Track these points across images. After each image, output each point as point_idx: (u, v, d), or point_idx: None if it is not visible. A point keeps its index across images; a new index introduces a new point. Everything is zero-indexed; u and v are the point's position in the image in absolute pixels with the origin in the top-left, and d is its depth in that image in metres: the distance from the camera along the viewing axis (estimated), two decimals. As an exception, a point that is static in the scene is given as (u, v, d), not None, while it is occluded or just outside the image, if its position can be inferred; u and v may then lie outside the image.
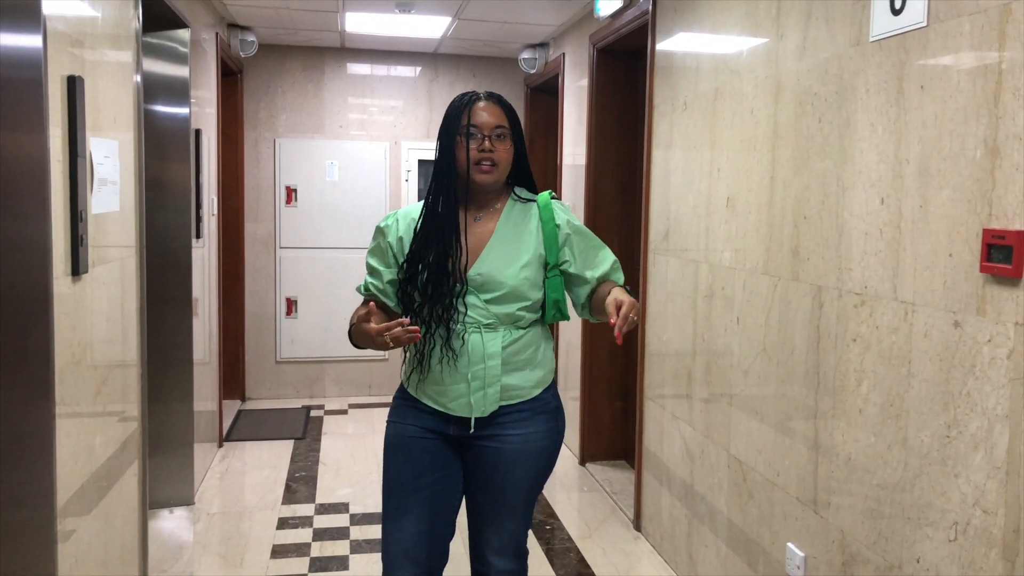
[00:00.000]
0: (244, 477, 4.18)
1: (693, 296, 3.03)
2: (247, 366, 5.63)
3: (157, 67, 3.56)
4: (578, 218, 2.15)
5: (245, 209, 5.52)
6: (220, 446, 4.62)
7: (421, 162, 5.83)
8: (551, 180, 5.42)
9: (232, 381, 5.51)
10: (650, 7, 3.37)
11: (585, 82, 4.37)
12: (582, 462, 4.46)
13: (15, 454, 1.87)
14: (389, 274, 2.05)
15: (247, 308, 5.58)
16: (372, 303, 1.90)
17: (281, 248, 5.63)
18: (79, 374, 2.13)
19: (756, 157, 2.56)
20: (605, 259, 2.10)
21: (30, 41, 1.81)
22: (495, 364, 1.96)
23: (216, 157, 4.48)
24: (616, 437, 4.48)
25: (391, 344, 1.79)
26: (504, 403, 1.99)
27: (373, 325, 1.82)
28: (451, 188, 1.97)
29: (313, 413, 5.36)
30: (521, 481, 2.06)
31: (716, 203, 2.83)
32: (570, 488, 4.11)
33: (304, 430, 4.96)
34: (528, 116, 5.81)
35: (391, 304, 2.06)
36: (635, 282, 4.04)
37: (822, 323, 2.20)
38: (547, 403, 2.05)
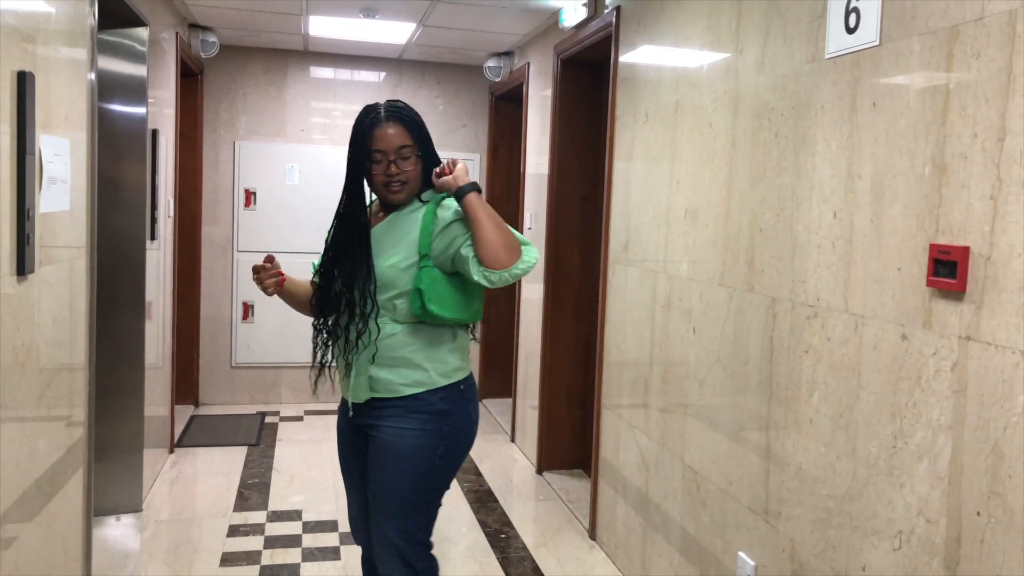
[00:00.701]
0: (195, 484, 4.11)
1: (651, 306, 3.05)
2: (201, 371, 5.54)
3: (113, 65, 3.50)
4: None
5: (203, 212, 5.44)
6: (171, 452, 4.53)
7: (383, 168, 5.79)
8: (514, 189, 5.44)
9: (185, 386, 5.41)
10: (614, 19, 3.40)
11: (549, 92, 4.39)
12: (539, 471, 4.46)
13: (-48, 458, 1.81)
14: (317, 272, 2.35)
15: (203, 312, 5.50)
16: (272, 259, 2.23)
17: (239, 251, 5.56)
18: (23, 376, 2.07)
19: (714, 170, 2.59)
20: (463, 245, 2.09)
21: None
22: (366, 354, 2.11)
23: (173, 158, 4.41)
24: (574, 446, 4.49)
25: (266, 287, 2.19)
26: (375, 395, 2.13)
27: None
28: (361, 198, 2.15)
29: (268, 419, 5.29)
30: (392, 477, 2.12)
31: (675, 214, 2.86)
32: (526, 497, 4.10)
33: (258, 436, 4.89)
34: (492, 124, 5.81)
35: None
36: (595, 292, 4.07)
37: (776, 334, 2.23)
38: (428, 404, 2.12)
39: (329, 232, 2.23)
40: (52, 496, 2.39)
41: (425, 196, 2.19)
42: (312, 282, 2.30)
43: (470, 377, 2.25)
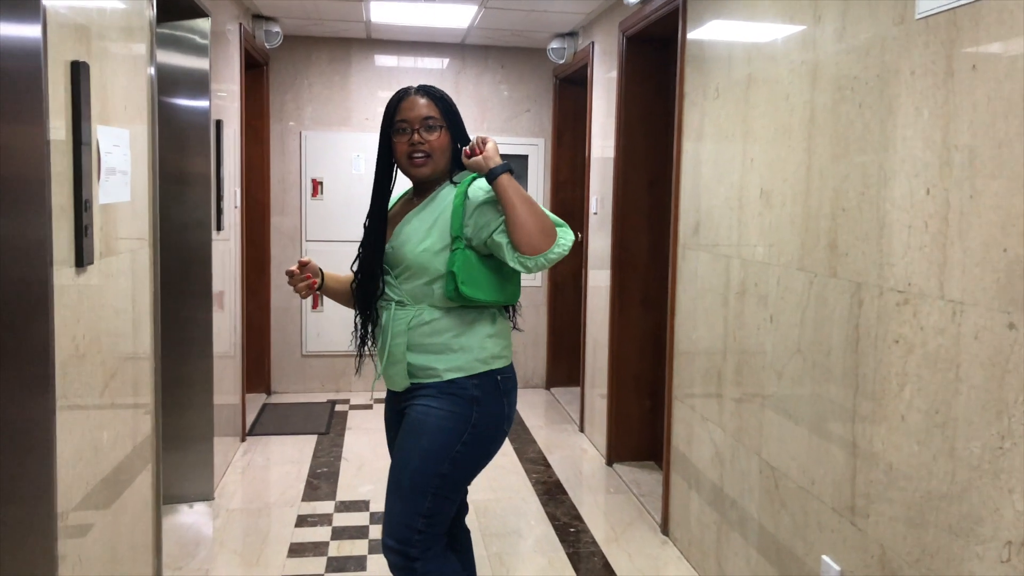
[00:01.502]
0: (265, 472, 4.14)
1: (724, 293, 2.90)
2: (272, 360, 5.60)
3: (176, 58, 3.51)
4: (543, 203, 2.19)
5: (271, 202, 5.48)
6: (243, 440, 4.58)
7: (448, 155, 5.73)
8: (580, 173, 5.30)
9: (257, 375, 5.48)
10: (681, -9, 3.24)
11: (614, 72, 4.24)
12: (609, 462, 4.35)
13: (14, 448, 1.81)
14: None
15: (273, 302, 5.55)
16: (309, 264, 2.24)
17: (307, 241, 5.59)
18: (83, 367, 2.07)
19: (791, 146, 2.42)
20: (497, 219, 2.01)
21: (29, 30, 1.75)
22: (400, 343, 2.08)
23: (239, 149, 4.43)
24: (644, 437, 4.36)
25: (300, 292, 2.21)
26: (415, 381, 2.10)
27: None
28: (387, 180, 2.18)
29: (338, 408, 5.31)
30: (406, 451, 2.08)
31: (749, 195, 2.70)
32: (596, 490, 3.99)
33: (328, 425, 4.91)
34: (557, 108, 5.69)
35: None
36: (664, 278, 3.92)
37: (861, 322, 2.07)
38: (463, 388, 2.06)
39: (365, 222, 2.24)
40: (120, 485, 2.40)
41: (457, 178, 2.14)
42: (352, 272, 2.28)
43: (510, 369, 2.17)
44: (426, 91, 2.12)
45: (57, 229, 1.87)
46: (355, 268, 2.20)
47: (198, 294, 3.67)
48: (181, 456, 3.65)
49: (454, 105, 2.15)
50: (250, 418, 4.96)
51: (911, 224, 1.87)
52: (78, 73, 1.97)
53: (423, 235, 2.07)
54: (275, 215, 5.53)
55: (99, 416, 2.21)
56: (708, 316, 3.04)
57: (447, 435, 2.05)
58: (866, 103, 2.05)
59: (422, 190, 2.17)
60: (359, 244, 2.20)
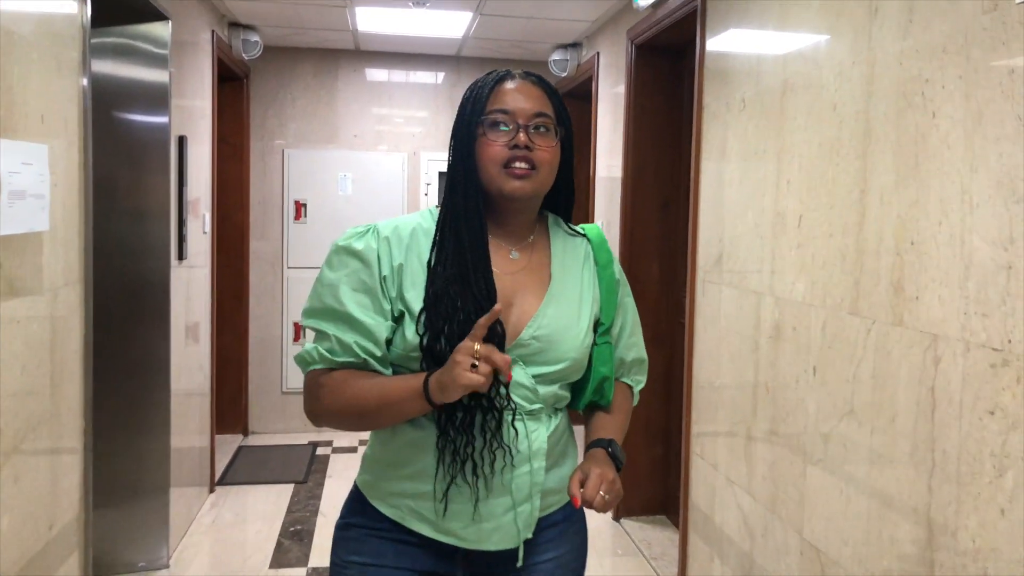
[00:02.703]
0: (234, 531, 3.70)
1: (754, 335, 2.48)
2: (251, 397, 5.18)
3: (129, 69, 3.11)
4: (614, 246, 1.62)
5: (250, 225, 5.09)
6: (212, 491, 4.15)
7: (442, 174, 5.35)
8: (582, 194, 4.90)
9: (233, 414, 5.06)
10: (700, -10, 2.85)
11: (622, 85, 3.85)
12: (616, 517, 3.91)
13: None
14: (387, 330, 1.35)
15: (251, 333, 5.13)
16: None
17: (289, 268, 5.18)
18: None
19: (840, 165, 2.01)
20: (637, 344, 1.56)
21: None
22: (540, 466, 1.36)
23: (211, 169, 4.04)
24: (656, 488, 3.92)
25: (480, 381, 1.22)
26: (540, 515, 1.40)
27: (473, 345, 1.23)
28: (476, 203, 1.35)
29: (320, 451, 4.88)
30: None
31: (785, 222, 2.29)
32: (602, 551, 3.55)
33: (307, 472, 4.48)
34: (559, 124, 5.30)
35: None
36: (678, 313, 3.50)
37: (939, 385, 1.65)
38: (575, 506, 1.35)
39: (431, 273, 1.36)
40: (39, 561, 1.98)
41: (554, 221, 1.51)
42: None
43: None
44: (537, 79, 1.41)
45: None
46: (440, 351, 1.31)
47: (154, 327, 3.25)
48: (131, 513, 3.22)
49: (566, 107, 1.46)
50: (223, 463, 4.54)
51: (1011, 264, 1.46)
52: (-43, 74, 1.57)
53: (575, 314, 1.41)
54: (255, 239, 5.13)
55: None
56: (734, 361, 2.62)
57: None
58: (943, 112, 1.64)
59: (505, 229, 1.42)
60: (431, 318, 1.31)
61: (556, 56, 4.78)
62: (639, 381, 1.56)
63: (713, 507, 2.78)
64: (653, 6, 3.35)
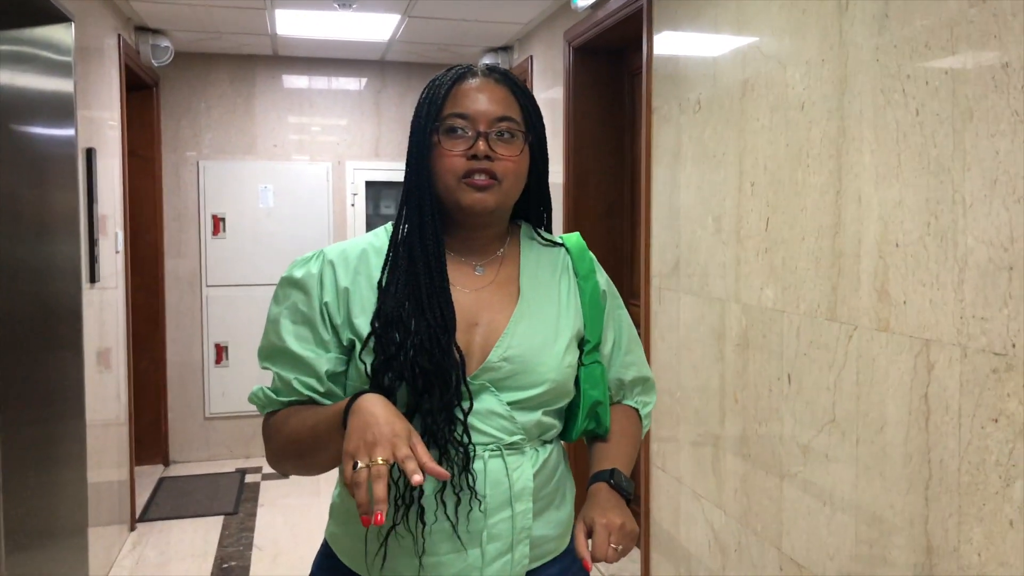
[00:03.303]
0: (160, 571, 3.41)
1: (718, 344, 2.40)
2: (170, 424, 4.84)
3: (28, 79, 2.81)
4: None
5: (165, 243, 4.77)
6: (132, 528, 3.84)
7: (369, 184, 5.15)
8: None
9: (152, 443, 4.72)
10: (645, -11, 2.77)
11: (559, 88, 3.75)
12: (568, 532, 3.79)
13: None
14: (329, 362, 1.21)
15: (169, 357, 4.80)
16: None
17: (208, 287, 4.88)
18: None
19: (811, 166, 1.95)
20: (636, 361, 1.40)
21: None
22: (525, 508, 1.20)
23: (122, 183, 3.74)
24: (607, 500, 3.82)
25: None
26: (531, 567, 1.23)
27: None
28: (431, 218, 1.21)
29: (249, 478, 4.60)
30: None
31: (749, 227, 2.22)
32: (558, 570, 3.43)
33: (237, 502, 4.20)
34: (489, 130, 5.17)
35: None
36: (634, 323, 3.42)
37: (933, 392, 1.59)
38: (574, 552, 1.21)
39: (381, 295, 1.21)
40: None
41: (529, 228, 1.36)
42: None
43: None
44: (501, 75, 1.25)
45: None
46: (389, 383, 1.15)
47: (65, 354, 2.96)
48: (46, 557, 2.91)
49: (539, 108, 1.30)
50: (143, 498, 4.21)
51: (1012, 265, 1.40)
52: None
53: (552, 331, 1.25)
54: (170, 258, 4.81)
55: None
56: (696, 370, 2.54)
57: None
58: (929, 106, 1.58)
59: (469, 243, 1.28)
60: (381, 344, 1.16)
61: (486, 60, 4.65)
62: (646, 403, 1.41)
63: (678, 522, 2.69)
64: (593, 7, 3.26)
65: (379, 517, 0.96)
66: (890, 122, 1.69)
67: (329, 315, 1.20)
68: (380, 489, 0.97)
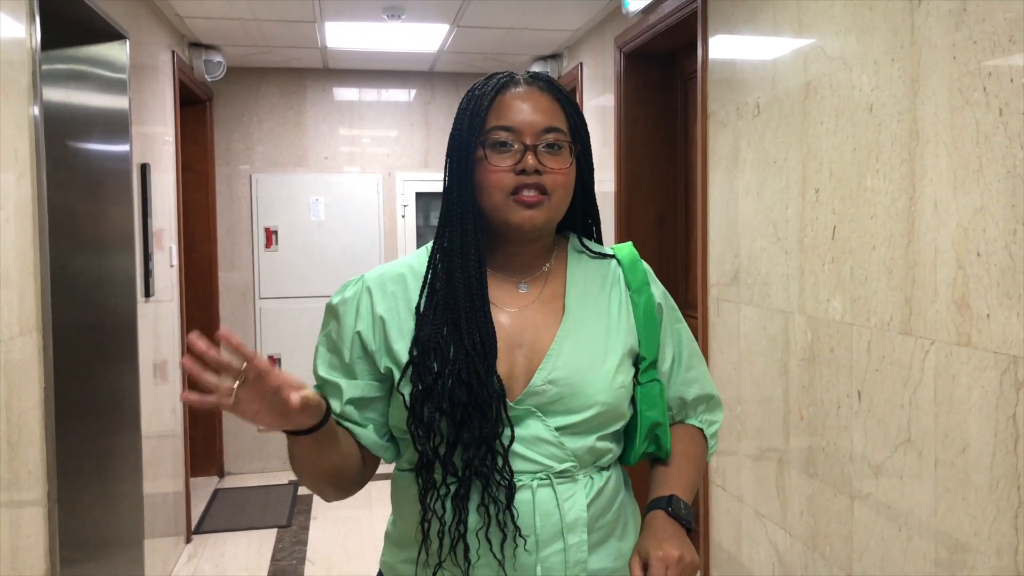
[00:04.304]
0: (214, 585, 3.43)
1: (782, 358, 2.30)
2: (225, 436, 4.89)
3: (85, 96, 2.85)
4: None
5: (218, 256, 4.82)
6: (188, 541, 3.86)
7: (419, 195, 5.14)
8: (568, 210, 4.73)
9: (207, 455, 4.77)
10: (699, -9, 2.69)
11: (610, 95, 3.68)
12: (624, 549, 3.70)
13: None
14: (353, 389, 1.18)
15: (223, 369, 4.84)
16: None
17: (261, 299, 4.92)
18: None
19: (881, 171, 1.85)
20: (700, 378, 1.32)
21: None
22: (580, 540, 1.14)
23: (176, 198, 3.79)
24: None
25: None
26: None
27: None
28: (473, 236, 1.15)
29: (301, 490, 4.60)
30: None
31: (815, 235, 2.12)
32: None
33: (290, 515, 4.20)
34: (538, 139, 5.12)
35: (368, 441, 1.19)
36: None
37: (1022, 413, 1.48)
38: None
39: (419, 320, 1.16)
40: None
41: (578, 240, 1.30)
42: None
43: None
44: (546, 83, 1.19)
45: None
46: (428, 415, 1.11)
47: (120, 366, 2.99)
48: (103, 569, 2.93)
49: (584, 118, 1.25)
50: (198, 510, 4.24)
51: (1112, 276, 1.29)
52: None
53: (601, 350, 1.19)
54: (223, 271, 4.86)
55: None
56: (759, 386, 2.44)
57: None
58: (1012, 107, 1.48)
59: (515, 260, 1.22)
60: (418, 374, 1.12)
61: (535, 68, 4.60)
62: (711, 422, 1.32)
63: (740, 543, 2.59)
64: (644, 11, 3.18)
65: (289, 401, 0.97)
66: (969, 123, 1.58)
67: (363, 343, 1.18)
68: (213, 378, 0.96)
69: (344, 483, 1.19)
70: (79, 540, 2.82)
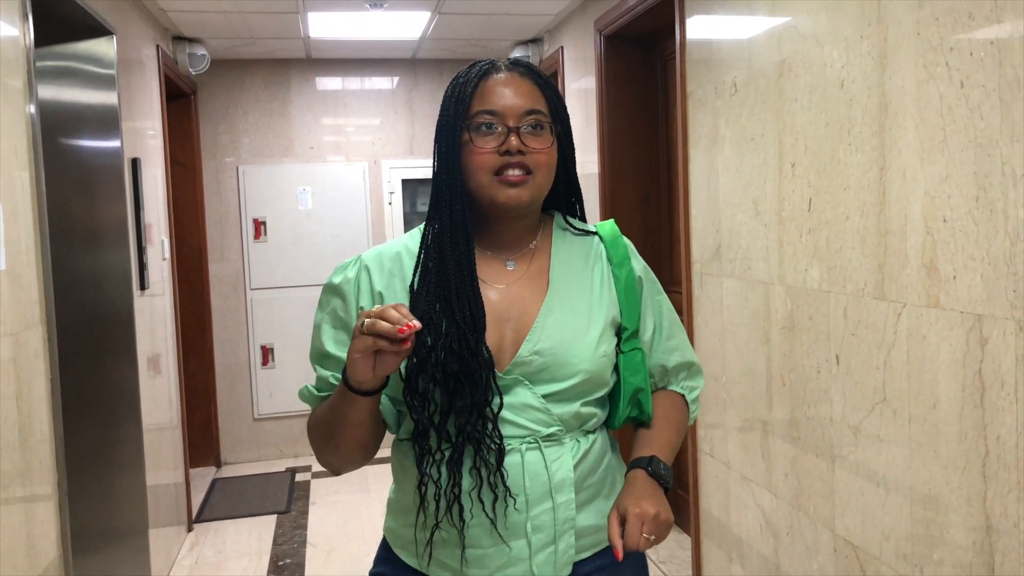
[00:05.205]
0: (218, 570, 3.50)
1: (764, 327, 2.39)
2: (221, 426, 4.95)
3: (75, 93, 2.89)
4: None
5: (208, 248, 4.86)
6: (190, 529, 3.93)
7: (405, 182, 5.20)
8: (553, 193, 4.79)
9: (205, 445, 4.83)
10: (675, -26, 2.76)
11: (591, 78, 3.75)
12: (617, 521, 3.80)
13: None
14: None
15: (217, 360, 4.91)
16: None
17: (252, 290, 4.97)
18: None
19: (853, 144, 1.93)
20: (680, 346, 1.40)
21: None
22: (567, 499, 1.22)
23: (166, 191, 3.83)
24: (654, 488, 3.82)
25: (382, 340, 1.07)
26: (578, 558, 1.25)
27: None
28: (461, 216, 1.22)
29: (299, 477, 4.68)
30: None
31: (792, 208, 2.20)
32: (609, 558, 3.44)
33: (288, 500, 4.28)
34: (521, 123, 5.18)
35: (385, 408, 1.29)
36: (676, 309, 3.41)
37: (987, 367, 1.57)
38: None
39: (413, 297, 1.24)
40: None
41: (563, 218, 1.37)
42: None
43: None
44: (526, 69, 1.27)
45: None
46: (423, 386, 1.18)
47: (120, 360, 3.05)
48: (110, 558, 3.00)
49: (562, 97, 1.33)
50: (198, 499, 4.31)
51: (1066, 236, 1.38)
52: None
53: (584, 321, 1.26)
54: (213, 262, 4.90)
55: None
56: (742, 356, 2.53)
57: None
58: (973, 80, 1.56)
59: (501, 238, 1.29)
60: (413, 348, 1.12)
61: (516, 53, 4.66)
62: (692, 388, 1.40)
63: (728, 508, 2.68)
64: (622, -6, 3.25)
65: (410, 325, 1.05)
66: (933, 96, 1.66)
67: None
68: (384, 324, 1.05)
69: (371, 449, 1.26)
70: (87, 531, 2.88)
